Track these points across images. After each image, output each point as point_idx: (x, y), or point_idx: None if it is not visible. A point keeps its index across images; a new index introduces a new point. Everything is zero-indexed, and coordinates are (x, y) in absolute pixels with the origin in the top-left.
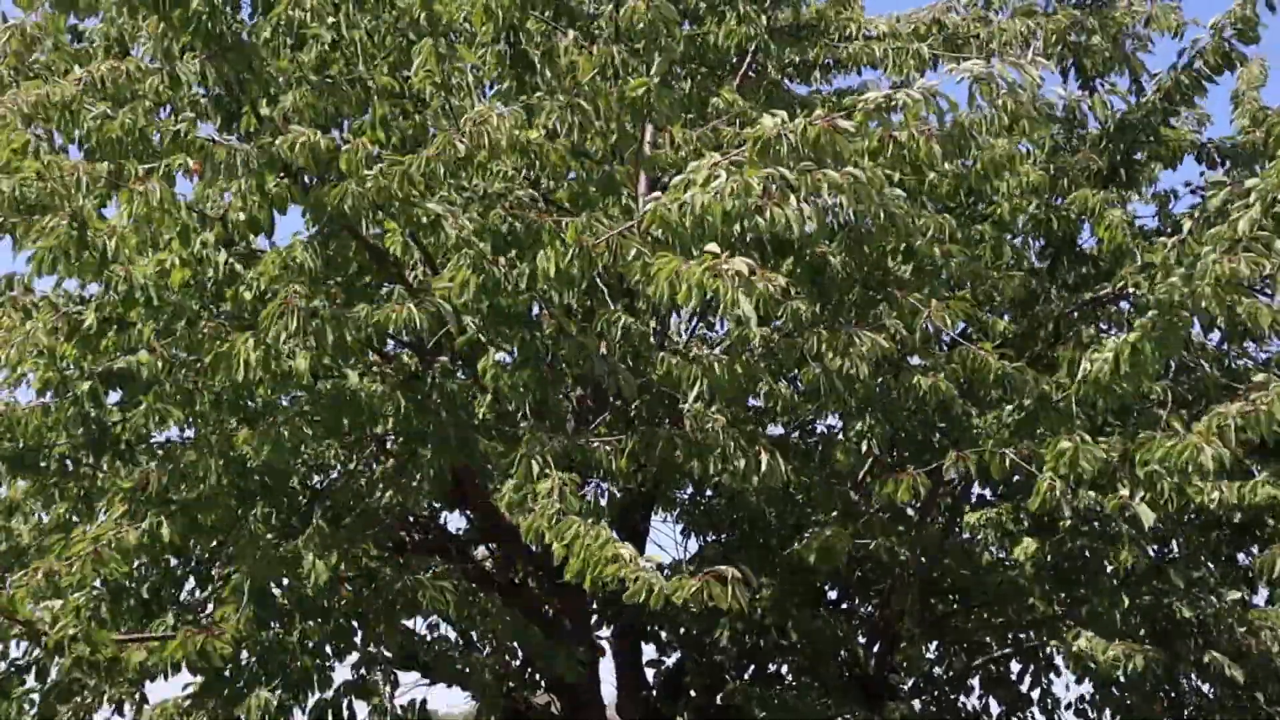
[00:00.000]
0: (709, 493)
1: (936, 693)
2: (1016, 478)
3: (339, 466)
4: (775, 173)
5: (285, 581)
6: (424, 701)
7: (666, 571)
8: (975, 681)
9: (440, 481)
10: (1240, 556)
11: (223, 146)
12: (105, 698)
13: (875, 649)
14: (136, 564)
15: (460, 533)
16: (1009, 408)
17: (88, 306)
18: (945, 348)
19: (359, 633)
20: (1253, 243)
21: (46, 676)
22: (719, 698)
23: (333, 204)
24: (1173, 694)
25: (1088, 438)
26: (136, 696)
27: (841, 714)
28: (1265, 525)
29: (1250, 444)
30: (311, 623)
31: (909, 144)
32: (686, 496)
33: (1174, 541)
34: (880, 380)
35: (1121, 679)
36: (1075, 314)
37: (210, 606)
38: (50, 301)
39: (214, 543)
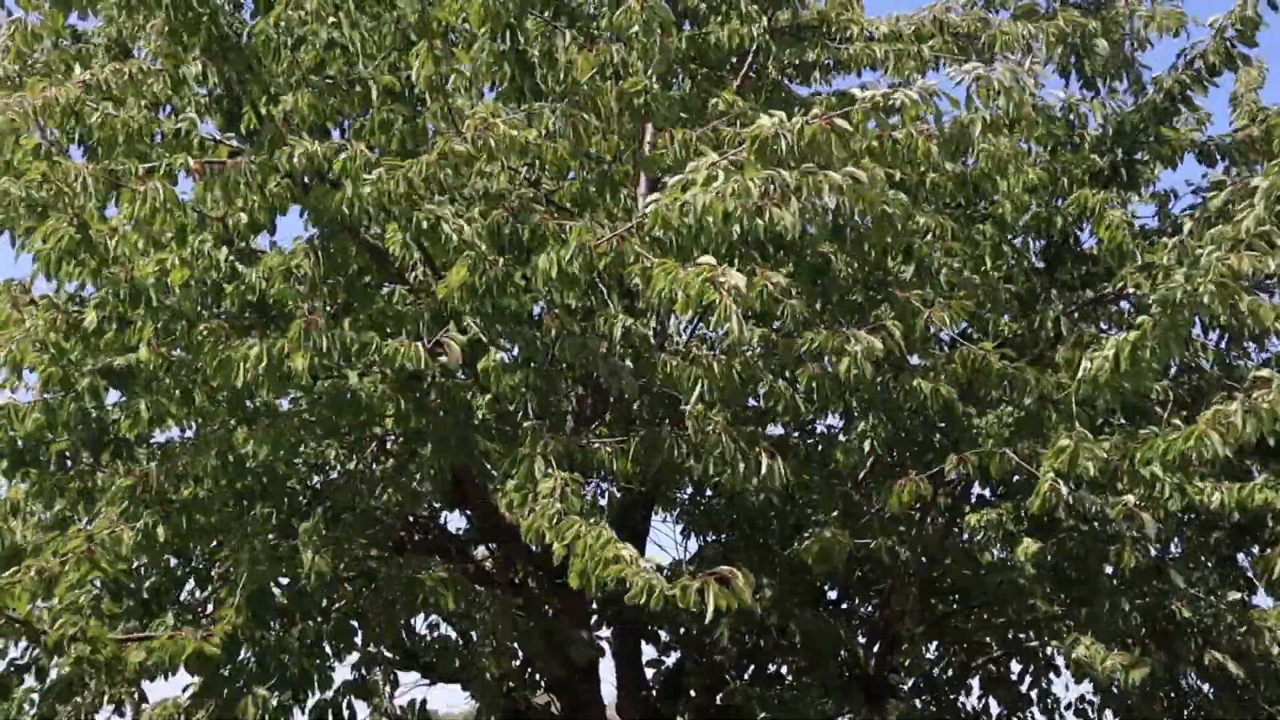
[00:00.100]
0: (709, 493)
1: (936, 693)
2: (1016, 478)
3: (339, 466)
4: (776, 175)
5: (284, 581)
6: (424, 701)
7: (667, 572)
8: (975, 681)
9: (440, 481)
10: (1240, 556)
11: (225, 147)
12: (105, 697)
13: (875, 649)
14: (136, 564)
15: (460, 533)
16: (1009, 407)
17: (88, 306)
18: (946, 348)
19: (359, 633)
20: (1256, 241)
21: (46, 676)
22: (719, 698)
23: (333, 207)
24: (1173, 694)
25: (1088, 434)
26: (136, 696)
27: (841, 714)
28: (1265, 527)
29: (1249, 444)
30: (311, 622)
31: (907, 143)
32: (686, 496)
33: (1174, 542)
34: (880, 380)
35: (1117, 691)
36: (1075, 314)
37: (210, 606)
38: (51, 300)
39: (213, 543)
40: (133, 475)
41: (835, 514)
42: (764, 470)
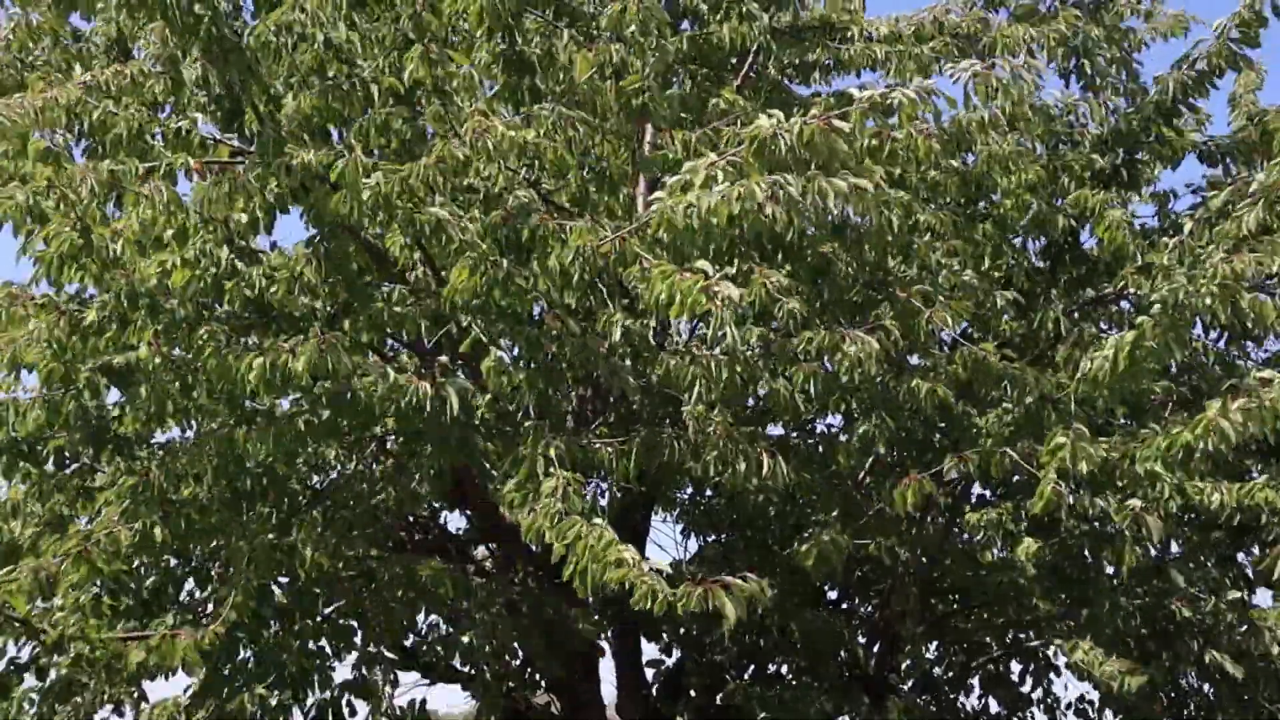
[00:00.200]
0: (709, 493)
1: (936, 693)
2: (1016, 478)
3: (339, 466)
4: (781, 180)
5: (284, 580)
6: (424, 701)
7: (668, 572)
8: (975, 681)
9: (440, 481)
10: (1240, 556)
11: (225, 147)
12: (105, 697)
13: (875, 649)
14: (136, 563)
15: (460, 533)
16: (1009, 406)
17: (89, 306)
18: (946, 348)
19: (359, 632)
20: (1257, 241)
21: (46, 675)
22: (719, 698)
23: (332, 209)
24: (1173, 694)
25: (1086, 431)
26: (135, 696)
27: (842, 714)
28: (1264, 527)
29: (1250, 444)
30: (310, 621)
31: (907, 143)
32: (686, 496)
33: (1174, 542)
34: (880, 380)
35: (1116, 693)
36: (1075, 314)
37: (210, 606)
38: (51, 300)
39: (213, 543)
40: (134, 474)
41: (835, 514)
42: (764, 471)
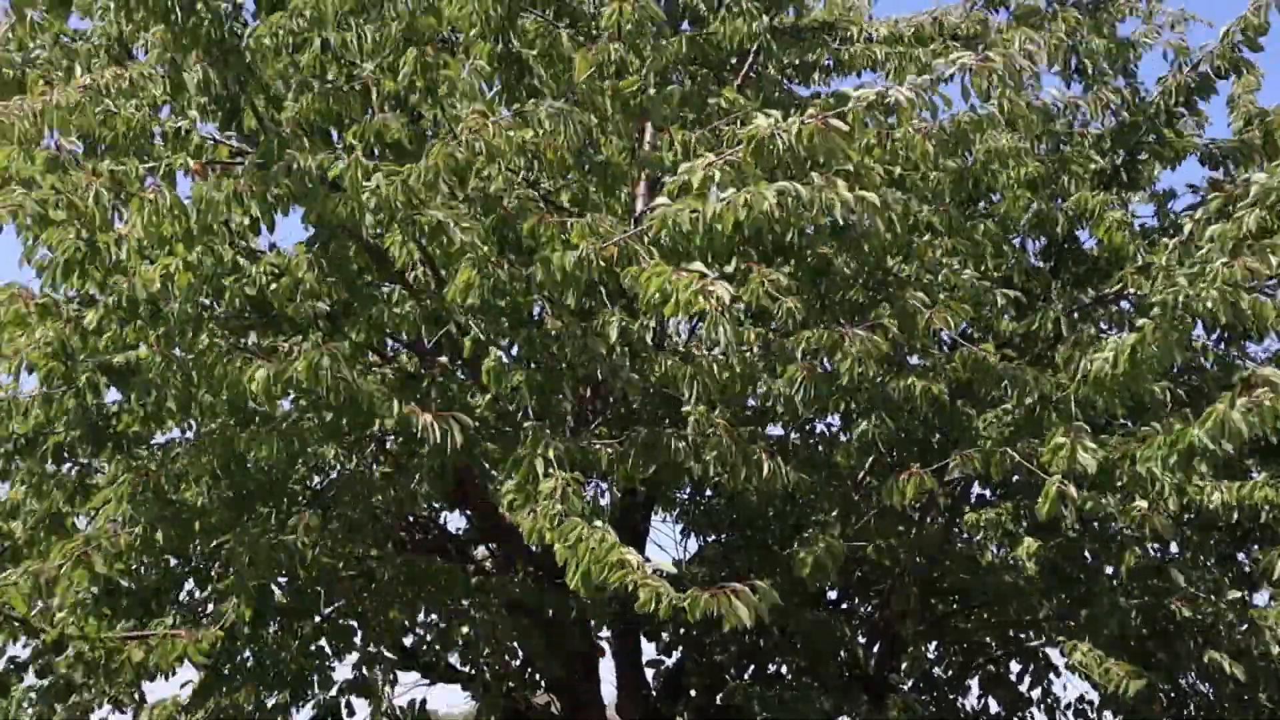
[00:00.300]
0: (709, 493)
1: (936, 693)
2: (1016, 478)
3: (339, 466)
4: (790, 188)
5: (284, 580)
6: (424, 701)
7: (671, 572)
8: (975, 682)
9: (440, 481)
10: (1240, 556)
11: (225, 147)
12: (104, 696)
13: (875, 649)
14: (136, 564)
15: (460, 533)
16: (1009, 406)
17: (91, 308)
18: (946, 348)
19: (359, 632)
20: (1258, 242)
21: (46, 674)
22: (719, 698)
23: (333, 211)
24: (1173, 694)
25: (1086, 428)
26: (135, 695)
27: (841, 713)
28: (1265, 527)
29: (1248, 444)
30: (310, 621)
31: (906, 142)
32: (686, 496)
33: (1174, 542)
34: (880, 380)
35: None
36: (1075, 314)
37: (210, 606)
38: (52, 300)
39: (213, 543)
40: (135, 474)
41: (835, 514)
42: (765, 471)
